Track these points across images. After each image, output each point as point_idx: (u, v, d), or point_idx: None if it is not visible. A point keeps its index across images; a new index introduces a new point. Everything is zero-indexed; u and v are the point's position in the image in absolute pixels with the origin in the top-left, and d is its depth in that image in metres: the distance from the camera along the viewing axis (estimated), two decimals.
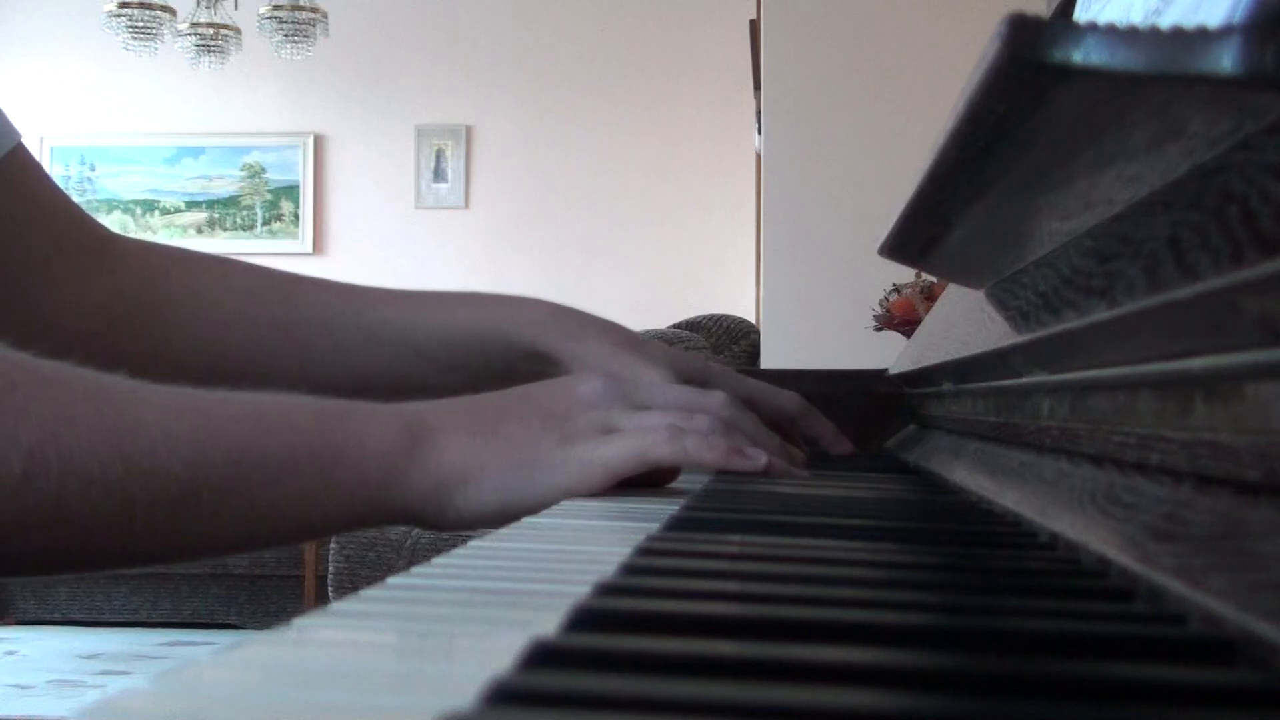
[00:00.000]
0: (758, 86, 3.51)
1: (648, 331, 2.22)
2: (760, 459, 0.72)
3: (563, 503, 0.65)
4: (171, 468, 0.61)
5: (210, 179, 6.17)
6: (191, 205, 6.16)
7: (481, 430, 0.69)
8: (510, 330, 0.91)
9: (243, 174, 6.16)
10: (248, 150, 6.15)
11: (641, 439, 0.68)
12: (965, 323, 0.79)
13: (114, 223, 5.67)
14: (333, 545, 3.82)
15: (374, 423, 0.67)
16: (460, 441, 0.68)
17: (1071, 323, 0.47)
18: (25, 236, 0.88)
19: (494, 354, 0.91)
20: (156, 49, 5.11)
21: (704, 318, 3.09)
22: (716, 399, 0.76)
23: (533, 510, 0.67)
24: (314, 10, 5.06)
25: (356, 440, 0.66)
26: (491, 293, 0.95)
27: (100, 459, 0.59)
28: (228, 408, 0.65)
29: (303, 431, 0.66)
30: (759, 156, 3.79)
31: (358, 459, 0.66)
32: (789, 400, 0.95)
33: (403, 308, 0.94)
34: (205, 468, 0.62)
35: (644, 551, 0.41)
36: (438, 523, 0.69)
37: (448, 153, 6.03)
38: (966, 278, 0.81)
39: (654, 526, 0.50)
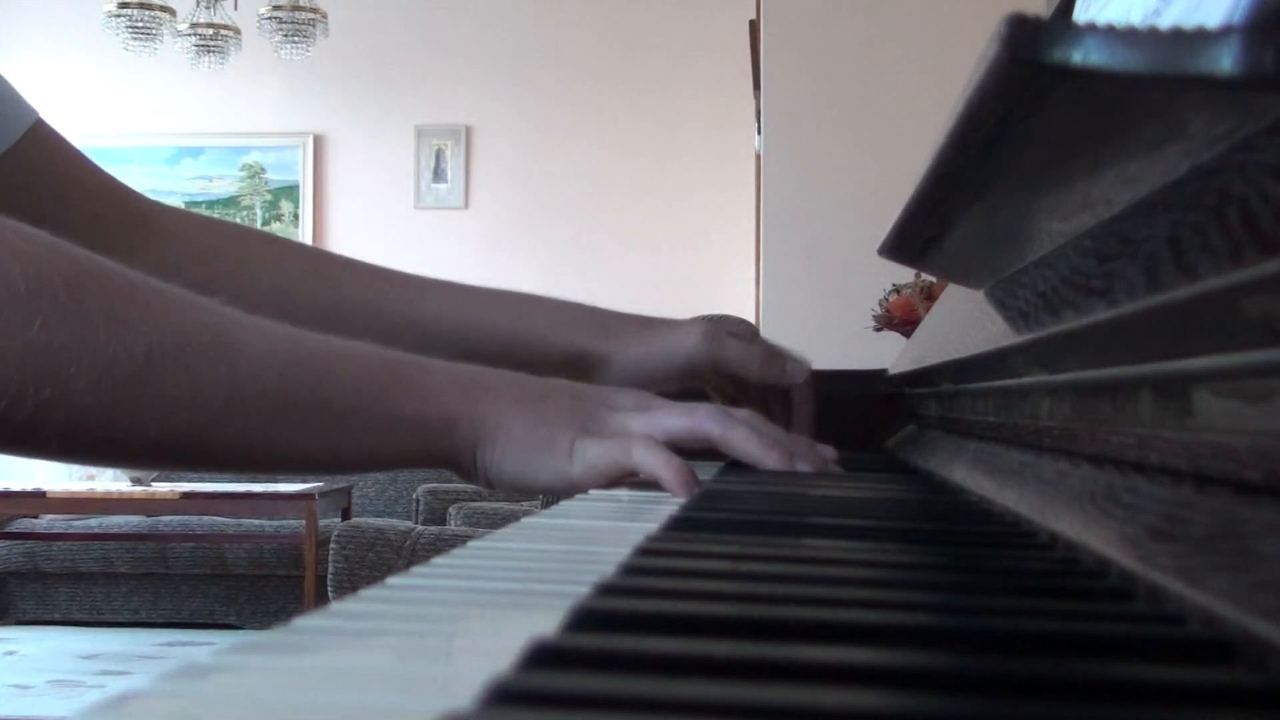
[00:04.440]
0: (758, 86, 3.51)
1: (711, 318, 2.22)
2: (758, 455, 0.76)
3: (562, 503, 0.65)
4: (267, 380, 0.67)
5: (210, 179, 6.17)
6: (191, 205, 6.15)
7: (522, 400, 0.75)
8: (548, 332, 0.97)
9: (242, 174, 6.16)
10: (247, 150, 6.15)
11: (623, 446, 0.72)
12: (965, 323, 0.79)
13: None
14: (332, 545, 3.82)
15: (438, 372, 0.74)
16: (503, 406, 0.74)
17: (1071, 323, 0.47)
18: (62, 211, 0.89)
19: (535, 352, 0.97)
20: (156, 49, 5.11)
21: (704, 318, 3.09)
22: (741, 414, 0.79)
23: (541, 489, 0.76)
24: (314, 10, 5.06)
25: (421, 384, 0.73)
26: (529, 294, 1.01)
27: (209, 361, 0.65)
28: (311, 341, 0.71)
29: (375, 370, 0.72)
30: (759, 156, 3.79)
31: (421, 401, 0.72)
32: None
33: (449, 302, 0.98)
34: (294, 386, 0.68)
35: (644, 552, 0.41)
36: (470, 474, 0.75)
37: (447, 153, 6.03)
38: (966, 278, 0.81)
39: (654, 526, 0.50)
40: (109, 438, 0.64)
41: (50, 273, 0.61)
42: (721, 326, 0.99)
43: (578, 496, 0.69)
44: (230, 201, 6.15)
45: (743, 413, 0.79)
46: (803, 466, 0.77)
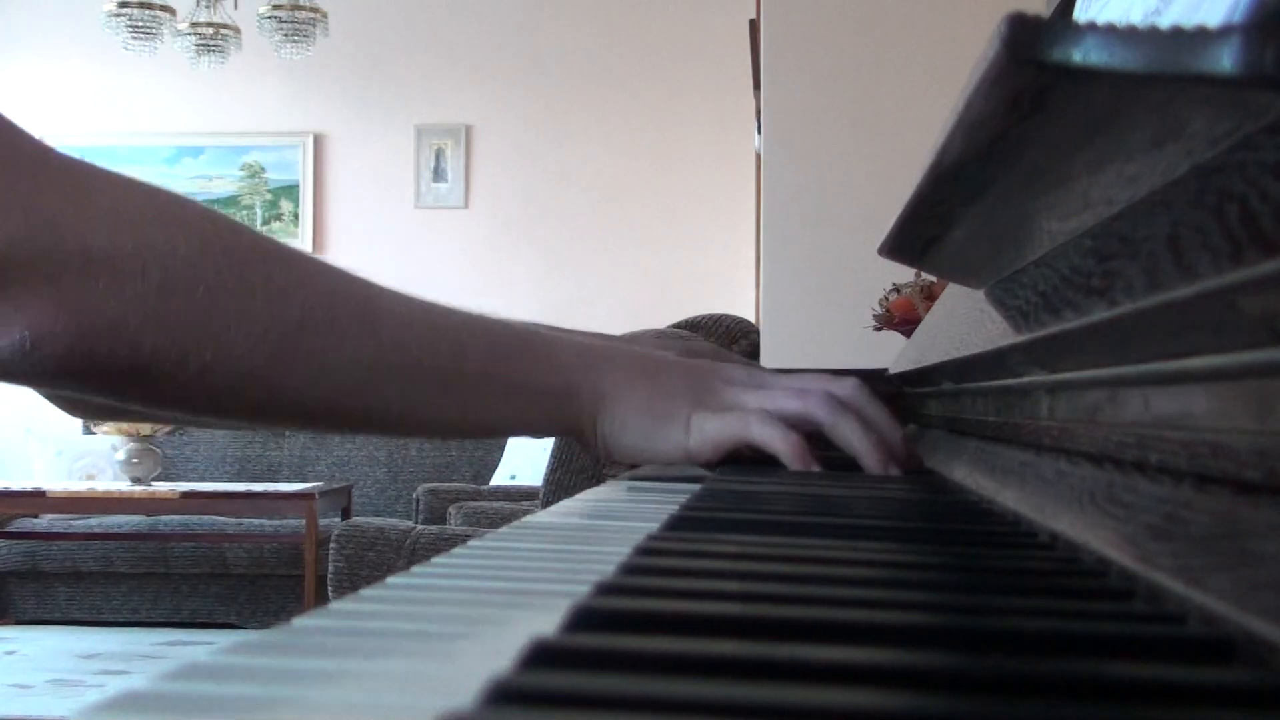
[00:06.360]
0: (758, 86, 3.51)
1: (647, 333, 2.22)
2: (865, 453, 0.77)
3: (563, 502, 0.65)
4: (408, 348, 0.71)
5: (210, 179, 6.16)
6: None
7: (642, 373, 0.78)
8: None
9: (242, 174, 6.16)
10: (247, 150, 6.15)
11: (741, 420, 0.74)
12: (965, 323, 0.79)
13: None
14: (332, 545, 3.82)
15: (562, 344, 0.78)
16: (623, 377, 0.77)
17: (1071, 323, 0.47)
18: None
19: None
20: (156, 49, 5.11)
21: (704, 318, 3.09)
22: (851, 400, 0.80)
23: (659, 459, 0.79)
24: (314, 10, 5.06)
25: (547, 355, 0.76)
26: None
27: (356, 328, 0.69)
28: (445, 312, 0.75)
29: (505, 341, 0.76)
30: (759, 156, 3.79)
31: (547, 371, 0.76)
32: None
33: None
34: (433, 353, 0.72)
35: (644, 551, 0.41)
36: (591, 443, 0.78)
37: (447, 152, 6.03)
38: (966, 278, 0.81)
39: (654, 526, 0.50)
40: (261, 399, 0.68)
41: (215, 243, 0.65)
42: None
43: (578, 496, 0.69)
44: (230, 201, 6.14)
45: (852, 395, 0.79)
46: (894, 473, 0.78)
